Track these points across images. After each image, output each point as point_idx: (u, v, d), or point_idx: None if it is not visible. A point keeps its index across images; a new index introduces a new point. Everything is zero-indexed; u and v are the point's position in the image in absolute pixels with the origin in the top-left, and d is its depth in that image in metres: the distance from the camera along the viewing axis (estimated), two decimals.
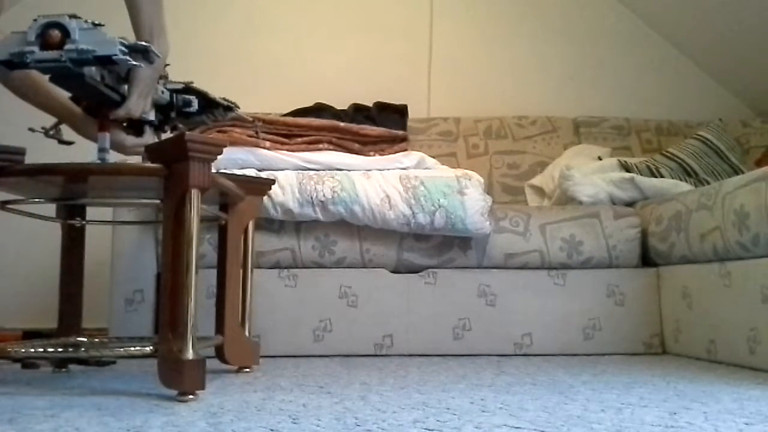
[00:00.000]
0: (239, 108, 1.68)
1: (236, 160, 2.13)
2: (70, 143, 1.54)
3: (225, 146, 1.36)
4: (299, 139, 2.26)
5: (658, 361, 1.97)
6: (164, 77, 1.54)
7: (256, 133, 1.76)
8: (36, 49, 1.14)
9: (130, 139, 1.48)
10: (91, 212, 1.77)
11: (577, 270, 2.18)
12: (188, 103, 1.56)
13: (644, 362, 1.93)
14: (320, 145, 2.26)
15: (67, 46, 1.13)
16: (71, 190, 1.54)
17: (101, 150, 1.37)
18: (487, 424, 1.04)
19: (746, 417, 1.11)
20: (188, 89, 1.58)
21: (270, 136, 2.23)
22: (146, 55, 1.22)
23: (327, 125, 2.32)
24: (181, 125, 1.63)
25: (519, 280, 2.16)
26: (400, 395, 1.33)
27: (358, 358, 2.02)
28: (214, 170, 1.36)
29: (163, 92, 1.51)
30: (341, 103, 2.86)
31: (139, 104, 1.40)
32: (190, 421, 1.07)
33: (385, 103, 2.88)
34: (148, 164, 1.35)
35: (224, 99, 1.65)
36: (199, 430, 1.00)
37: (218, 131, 2.24)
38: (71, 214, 1.70)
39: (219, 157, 1.34)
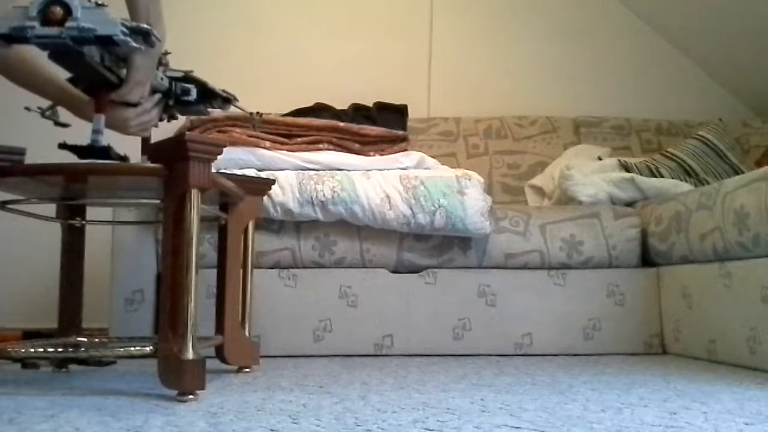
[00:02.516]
0: (238, 100, 1.67)
1: (236, 160, 2.13)
2: (66, 125, 1.51)
3: (225, 146, 1.36)
4: (299, 139, 2.26)
5: (658, 361, 1.97)
6: (165, 65, 1.53)
7: (254, 127, 1.75)
8: (37, 24, 1.13)
9: (132, 114, 1.45)
10: (91, 212, 1.77)
11: (577, 270, 2.18)
12: (187, 92, 1.55)
13: (644, 362, 1.93)
14: (320, 145, 2.25)
15: (68, 24, 1.13)
16: (71, 190, 1.54)
17: (95, 131, 1.36)
18: (487, 424, 1.04)
19: (746, 417, 1.11)
20: (188, 78, 1.57)
21: (270, 136, 2.23)
22: (147, 38, 1.21)
23: (327, 125, 2.32)
24: (178, 114, 1.62)
25: (519, 280, 2.16)
26: (400, 395, 1.33)
27: (358, 358, 2.02)
28: (214, 170, 1.36)
29: (162, 79, 1.50)
30: (341, 103, 2.86)
31: (136, 91, 1.39)
32: (190, 421, 1.07)
33: (385, 103, 2.88)
34: (148, 164, 1.35)
35: (224, 91, 1.64)
36: (199, 430, 1.00)
37: (218, 131, 2.24)
38: (71, 214, 1.70)
39: (219, 157, 1.34)
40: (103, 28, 1.14)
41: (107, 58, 1.29)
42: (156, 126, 1.54)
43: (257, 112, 1.76)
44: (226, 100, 1.65)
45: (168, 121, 1.60)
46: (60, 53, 1.20)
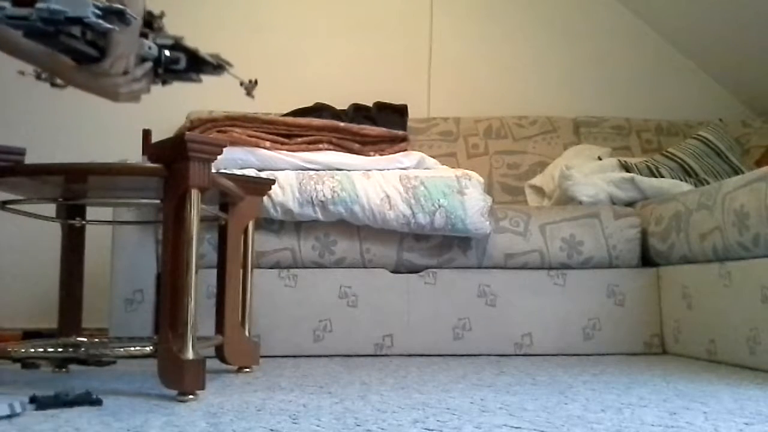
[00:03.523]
0: (232, 66, 1.64)
1: (236, 160, 2.13)
2: (63, 87, 1.50)
3: (225, 146, 1.36)
4: (299, 139, 2.26)
5: (658, 361, 1.97)
6: (159, 29, 1.51)
7: (247, 92, 1.71)
8: (8, 5, 1.11)
9: (122, 81, 1.41)
10: (91, 212, 1.77)
11: (577, 270, 2.18)
12: (176, 61, 1.52)
13: (644, 362, 1.93)
14: (320, 145, 2.25)
15: (38, 5, 1.10)
16: (71, 190, 1.54)
17: None
18: (487, 424, 1.04)
19: (746, 417, 1.11)
20: (177, 46, 1.55)
21: (270, 136, 2.23)
22: (122, 17, 1.19)
23: (327, 125, 2.32)
24: (170, 80, 1.59)
25: (519, 280, 2.16)
26: (400, 395, 1.33)
27: (358, 358, 2.02)
28: (214, 170, 1.36)
29: (150, 48, 1.48)
30: (341, 103, 2.86)
31: (118, 64, 1.37)
32: (190, 421, 1.07)
33: (385, 103, 2.88)
34: (148, 164, 1.35)
35: (217, 57, 1.60)
36: (199, 430, 1.00)
37: (218, 131, 2.24)
38: (71, 214, 1.71)
39: (219, 157, 1.34)
40: (74, 9, 1.11)
41: (88, 32, 1.27)
42: (147, 92, 1.52)
43: (250, 80, 1.72)
44: (218, 67, 1.61)
45: (162, 85, 1.57)
46: (33, 33, 1.18)
